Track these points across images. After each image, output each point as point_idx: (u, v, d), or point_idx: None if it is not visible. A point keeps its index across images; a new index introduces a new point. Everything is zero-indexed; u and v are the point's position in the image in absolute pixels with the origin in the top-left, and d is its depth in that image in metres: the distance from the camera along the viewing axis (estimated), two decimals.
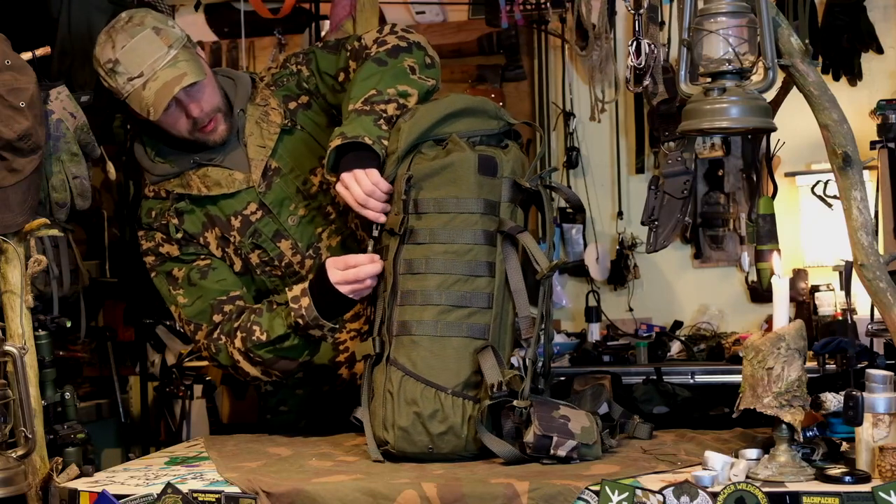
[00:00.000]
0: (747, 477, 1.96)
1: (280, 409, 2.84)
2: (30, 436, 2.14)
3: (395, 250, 2.34)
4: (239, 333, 2.53)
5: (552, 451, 2.16)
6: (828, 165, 2.22)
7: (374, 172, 2.37)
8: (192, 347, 3.99)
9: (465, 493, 1.96)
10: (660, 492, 1.89)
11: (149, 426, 4.37)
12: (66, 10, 3.04)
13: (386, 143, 2.39)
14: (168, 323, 4.37)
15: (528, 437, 2.17)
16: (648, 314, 4.98)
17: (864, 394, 1.95)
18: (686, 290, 5.02)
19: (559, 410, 2.22)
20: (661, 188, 2.33)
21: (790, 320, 2.05)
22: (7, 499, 2.06)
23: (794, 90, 2.25)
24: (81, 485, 2.16)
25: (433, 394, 2.26)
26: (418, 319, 2.30)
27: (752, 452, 2.04)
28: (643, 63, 2.67)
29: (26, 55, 2.36)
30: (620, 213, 5.05)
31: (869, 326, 2.64)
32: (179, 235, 2.63)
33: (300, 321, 2.45)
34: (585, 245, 5.03)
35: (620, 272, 4.99)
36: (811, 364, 2.86)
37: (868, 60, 4.66)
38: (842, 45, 4.60)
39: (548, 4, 4.82)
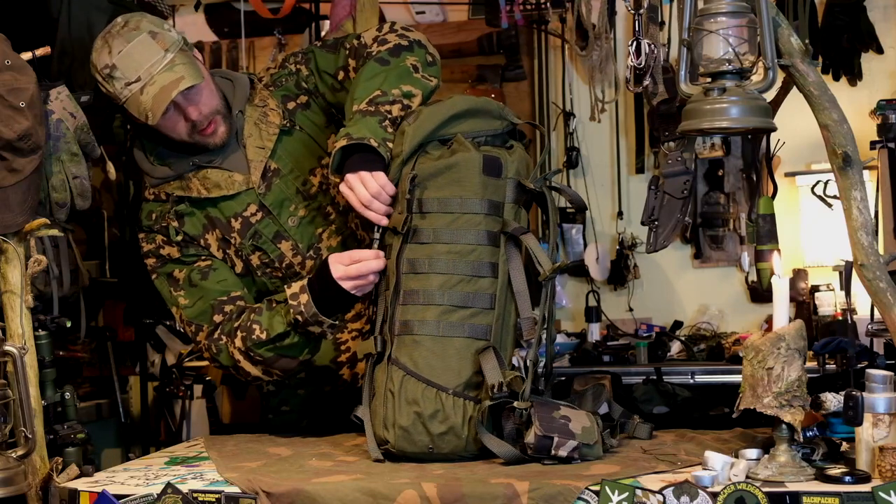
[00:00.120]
0: (747, 477, 1.96)
1: (282, 409, 2.84)
2: (30, 436, 2.14)
3: (398, 249, 2.34)
4: (239, 333, 2.53)
5: (553, 452, 2.16)
6: (828, 165, 2.22)
7: (380, 175, 2.37)
8: (193, 347, 3.99)
9: (465, 493, 1.96)
10: (660, 492, 1.89)
11: (149, 426, 4.37)
12: (66, 10, 3.04)
13: (391, 145, 2.40)
14: (168, 323, 4.37)
15: (529, 437, 2.17)
16: (648, 314, 4.98)
17: (864, 394, 1.95)
18: (686, 290, 5.02)
19: (560, 411, 2.22)
20: (661, 188, 2.33)
21: (790, 320, 2.05)
22: (7, 499, 2.06)
23: (794, 90, 2.25)
24: (81, 485, 2.16)
25: (434, 394, 2.26)
26: (420, 319, 2.30)
27: (752, 452, 2.04)
28: (643, 63, 2.67)
29: (26, 55, 2.36)
30: (620, 213, 5.05)
31: (869, 326, 2.64)
32: (179, 238, 2.63)
33: (299, 318, 2.44)
34: (585, 245, 5.03)
35: (620, 272, 4.99)
36: (811, 364, 2.87)
37: (868, 60, 4.66)
38: (842, 45, 4.59)
39: (548, 4, 4.82)
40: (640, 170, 5.09)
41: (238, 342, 2.53)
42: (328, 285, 2.42)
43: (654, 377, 3.90)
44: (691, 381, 4.20)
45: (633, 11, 2.88)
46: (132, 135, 2.70)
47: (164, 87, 2.45)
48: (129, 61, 2.46)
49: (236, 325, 2.54)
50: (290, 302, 2.45)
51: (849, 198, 2.14)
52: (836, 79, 4.61)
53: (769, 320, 3.28)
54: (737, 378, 2.13)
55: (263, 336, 2.49)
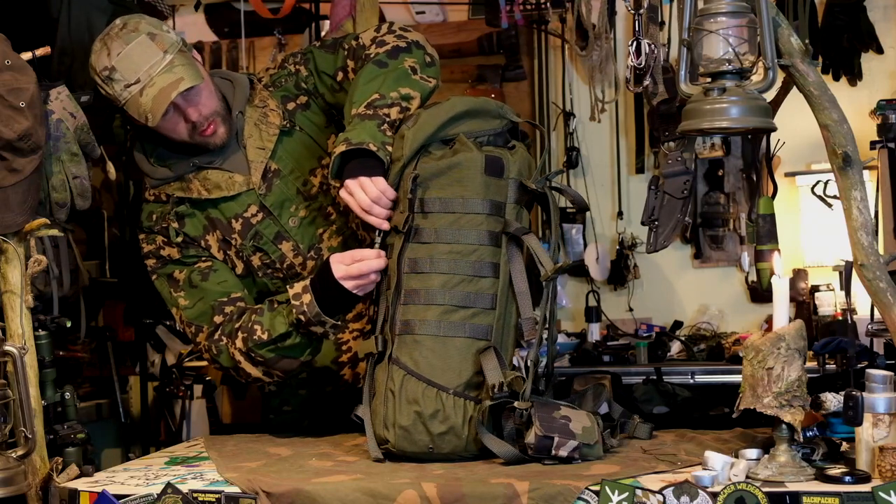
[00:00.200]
0: (747, 477, 1.96)
1: (283, 410, 2.84)
2: (30, 436, 2.14)
3: (399, 249, 2.35)
4: (240, 334, 2.53)
5: (554, 452, 2.16)
6: (828, 165, 2.22)
7: (380, 180, 2.37)
8: (193, 348, 3.99)
9: (465, 493, 1.96)
10: (660, 492, 1.89)
11: (149, 426, 4.37)
12: (66, 10, 3.04)
13: (390, 148, 2.40)
14: (168, 323, 4.37)
15: (530, 437, 2.17)
16: (648, 314, 4.98)
17: (864, 394, 1.95)
18: (686, 290, 5.02)
19: (560, 411, 2.22)
20: (661, 188, 2.33)
21: (790, 320, 2.06)
22: (7, 499, 2.06)
23: (794, 90, 2.25)
24: (81, 485, 2.16)
25: (434, 393, 2.26)
26: (421, 319, 2.30)
27: (752, 452, 2.04)
28: (643, 63, 2.67)
29: (26, 55, 2.35)
30: (620, 213, 5.05)
31: (869, 326, 2.64)
32: (180, 239, 2.63)
33: (301, 318, 2.44)
34: (585, 245, 5.03)
35: (620, 272, 4.99)
36: (811, 364, 2.86)
37: (868, 60, 4.66)
38: (842, 45, 4.59)
39: (548, 4, 4.82)
40: (640, 170, 5.09)
41: (239, 343, 2.53)
42: (330, 285, 2.41)
43: (654, 377, 3.89)
44: (691, 381, 4.20)
45: (633, 11, 2.88)
46: (132, 136, 2.70)
47: (163, 89, 2.45)
48: (128, 63, 2.46)
49: (237, 326, 2.54)
50: (293, 302, 2.45)
51: (849, 198, 2.14)
52: (836, 79, 4.61)
53: (769, 320, 3.28)
54: (737, 378, 2.13)
55: (265, 337, 2.49)
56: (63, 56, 2.98)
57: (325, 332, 2.49)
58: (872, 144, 3.53)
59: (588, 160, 5.12)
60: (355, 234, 2.68)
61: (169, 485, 2.05)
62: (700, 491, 1.88)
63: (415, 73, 2.52)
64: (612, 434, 2.37)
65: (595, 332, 4.77)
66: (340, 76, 2.65)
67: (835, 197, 2.23)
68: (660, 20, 4.01)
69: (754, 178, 4.56)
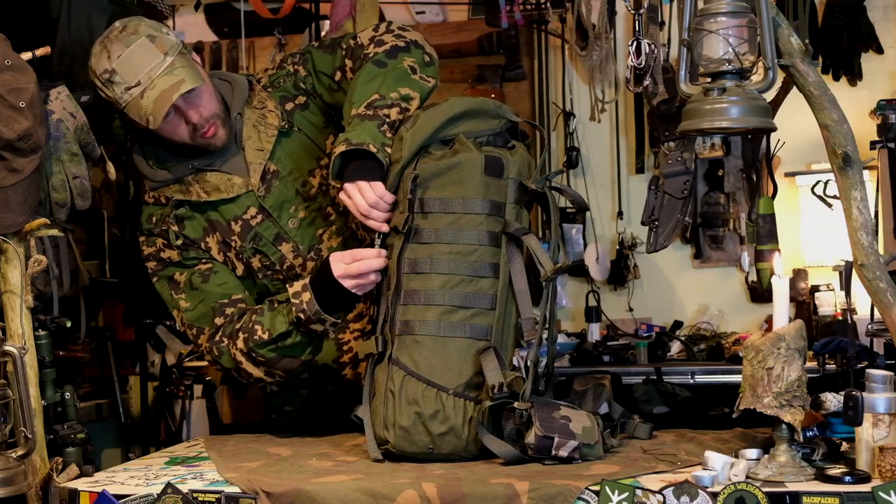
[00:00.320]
0: (747, 477, 1.96)
1: (284, 409, 2.84)
2: (30, 436, 2.14)
3: (399, 249, 2.35)
4: (241, 334, 2.53)
5: (554, 452, 2.16)
6: (828, 165, 2.22)
7: (378, 185, 2.37)
8: (193, 348, 3.99)
9: (465, 493, 1.96)
10: (660, 492, 1.89)
11: (149, 426, 4.37)
12: (66, 10, 3.04)
13: (389, 150, 2.39)
14: (168, 323, 4.37)
15: (530, 438, 2.17)
16: (648, 314, 4.98)
17: (864, 394, 1.95)
18: (686, 290, 5.02)
19: (560, 411, 2.22)
20: (661, 188, 2.34)
21: (790, 320, 2.06)
22: (7, 499, 2.06)
23: (794, 90, 2.25)
24: (81, 485, 2.16)
25: (434, 394, 2.26)
26: (421, 319, 2.30)
27: (752, 452, 2.04)
28: (643, 63, 2.67)
29: (26, 55, 2.35)
30: (620, 213, 5.05)
31: (869, 326, 2.64)
32: (179, 242, 2.63)
33: (301, 315, 2.44)
34: (585, 245, 5.03)
35: (620, 272, 4.99)
36: (811, 364, 2.86)
37: (868, 60, 4.66)
38: (842, 45, 4.59)
39: (548, 4, 4.82)
40: (640, 170, 5.09)
41: (240, 343, 2.53)
42: (329, 284, 2.42)
43: (654, 377, 3.90)
44: (691, 381, 4.19)
45: (633, 11, 2.89)
46: (131, 138, 2.69)
47: (164, 91, 2.45)
48: (128, 66, 2.46)
49: (238, 326, 2.54)
50: (293, 300, 2.45)
51: (849, 198, 2.14)
52: (836, 79, 4.60)
53: (769, 320, 3.28)
54: (737, 378, 2.13)
55: (266, 336, 2.49)
56: (63, 56, 2.98)
57: (325, 331, 2.48)
58: (872, 144, 3.53)
59: (588, 160, 5.12)
60: (355, 234, 2.68)
61: (169, 485, 2.05)
62: (700, 491, 1.88)
63: (414, 73, 2.52)
64: (612, 434, 2.37)
65: (595, 332, 4.77)
66: (338, 76, 2.65)
67: (835, 197, 2.23)
68: (660, 20, 4.02)
69: (754, 178, 4.56)
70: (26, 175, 2.28)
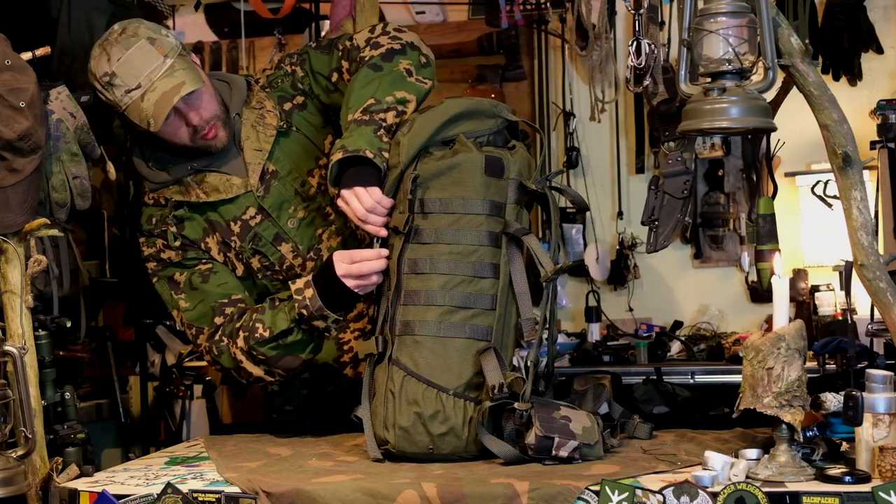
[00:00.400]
0: (747, 477, 1.96)
1: (285, 409, 2.85)
2: (30, 436, 2.14)
3: (399, 249, 2.35)
4: (241, 333, 2.53)
5: (554, 452, 2.16)
6: (828, 165, 2.22)
7: (375, 190, 2.37)
8: (193, 348, 3.99)
9: (465, 493, 1.96)
10: (660, 492, 1.89)
11: (149, 426, 4.37)
12: (66, 10, 3.04)
13: (386, 154, 2.39)
14: (168, 323, 4.37)
15: (530, 438, 2.17)
16: (648, 314, 4.98)
17: (864, 394, 1.95)
18: (686, 290, 5.02)
19: (560, 411, 2.22)
20: (661, 188, 2.34)
21: (790, 320, 2.06)
22: (7, 499, 2.06)
23: (794, 90, 2.25)
24: (81, 485, 2.16)
25: (434, 394, 2.26)
26: (421, 319, 2.30)
27: (752, 452, 2.04)
28: (643, 63, 2.67)
29: (26, 55, 2.35)
30: (620, 213, 5.05)
31: (869, 326, 2.64)
32: (177, 243, 2.63)
33: (304, 312, 2.44)
34: (585, 245, 5.03)
35: (620, 272, 4.99)
36: (811, 364, 2.86)
37: (868, 60, 4.66)
38: (842, 45, 4.59)
39: (548, 4, 4.82)
40: (640, 170, 5.08)
41: (240, 342, 2.53)
42: (332, 282, 2.42)
43: (654, 377, 3.89)
44: (691, 381, 4.19)
45: (633, 11, 2.89)
46: (131, 139, 2.69)
47: (165, 94, 2.45)
48: (128, 68, 2.45)
49: (238, 325, 2.54)
50: (295, 297, 2.45)
51: (849, 198, 2.14)
52: (836, 79, 4.60)
53: (769, 320, 3.28)
54: (737, 378, 2.13)
55: (267, 334, 2.49)
56: (63, 56, 2.98)
57: (326, 328, 2.48)
58: (872, 144, 3.53)
59: (588, 160, 5.12)
60: (354, 234, 2.67)
61: (169, 485, 2.05)
62: (700, 491, 1.88)
63: (410, 76, 2.52)
64: (612, 434, 2.37)
65: (595, 332, 4.77)
66: (335, 77, 2.65)
67: (835, 197, 2.23)
68: (660, 20, 4.01)
69: (754, 178, 4.56)
70: (26, 175, 2.28)
